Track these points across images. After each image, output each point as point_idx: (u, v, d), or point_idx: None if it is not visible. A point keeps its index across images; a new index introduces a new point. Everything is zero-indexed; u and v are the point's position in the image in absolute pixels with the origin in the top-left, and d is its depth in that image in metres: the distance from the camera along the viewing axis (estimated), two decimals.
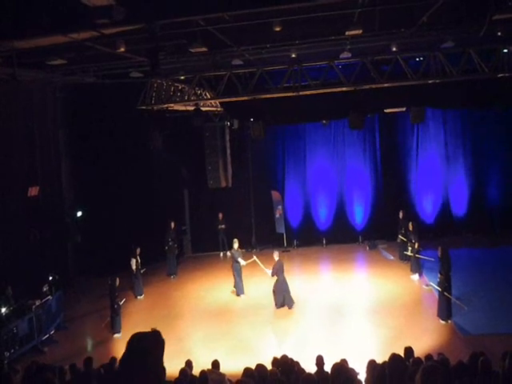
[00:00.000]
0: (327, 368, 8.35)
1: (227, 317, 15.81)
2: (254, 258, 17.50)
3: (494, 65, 14.47)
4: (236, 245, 17.50)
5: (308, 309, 15.74)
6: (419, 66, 15.14)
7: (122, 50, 10.79)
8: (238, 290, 17.32)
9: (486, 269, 17.54)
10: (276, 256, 16.00)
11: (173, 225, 20.15)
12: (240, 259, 17.24)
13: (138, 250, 17.40)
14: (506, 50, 14.39)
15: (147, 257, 18.28)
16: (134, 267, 17.32)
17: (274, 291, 15.90)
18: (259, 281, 17.49)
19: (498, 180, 21.71)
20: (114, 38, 10.48)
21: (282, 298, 15.76)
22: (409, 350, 9.01)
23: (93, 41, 10.58)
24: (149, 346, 3.06)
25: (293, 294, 16.03)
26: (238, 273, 17.31)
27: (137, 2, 8.82)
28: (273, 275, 15.85)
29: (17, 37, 9.55)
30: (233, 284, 17.48)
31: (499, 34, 12.83)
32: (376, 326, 14.17)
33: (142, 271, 17.72)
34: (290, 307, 15.77)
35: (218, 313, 16.06)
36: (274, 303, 15.89)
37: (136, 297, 17.70)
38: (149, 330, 3.20)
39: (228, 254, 20.72)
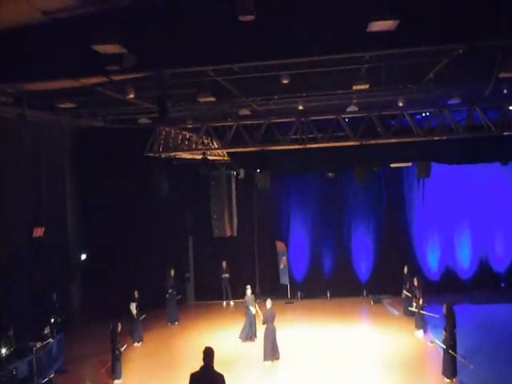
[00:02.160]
0: None
1: (231, 367, 15.34)
2: (256, 308, 17.29)
3: (499, 122, 14.55)
4: (249, 291, 17.45)
5: (310, 363, 15.36)
6: (425, 120, 15.24)
7: (131, 96, 10.97)
8: (242, 335, 17.15)
9: (492, 326, 17.22)
10: (268, 304, 15.86)
11: (172, 272, 20.03)
12: (251, 307, 17.13)
13: (136, 294, 17.26)
14: (511, 108, 14.50)
15: (148, 303, 18.07)
16: (134, 311, 17.13)
17: (264, 339, 15.64)
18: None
19: (504, 235, 21.54)
20: (124, 85, 10.67)
21: (271, 347, 15.46)
22: None
23: (102, 86, 10.77)
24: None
25: (295, 346, 15.64)
26: (248, 319, 17.22)
27: (147, 50, 9.00)
28: (264, 323, 15.67)
29: (28, 79, 9.72)
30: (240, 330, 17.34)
31: (505, 91, 12.97)
32: (379, 383, 13.82)
33: (141, 318, 17.45)
34: (277, 358, 15.50)
35: (221, 362, 15.61)
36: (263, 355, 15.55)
37: (134, 343, 17.39)
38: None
39: (231, 303, 21.79)
